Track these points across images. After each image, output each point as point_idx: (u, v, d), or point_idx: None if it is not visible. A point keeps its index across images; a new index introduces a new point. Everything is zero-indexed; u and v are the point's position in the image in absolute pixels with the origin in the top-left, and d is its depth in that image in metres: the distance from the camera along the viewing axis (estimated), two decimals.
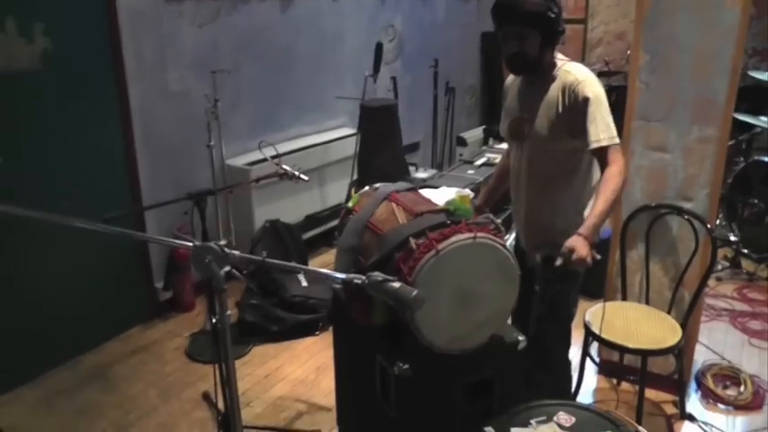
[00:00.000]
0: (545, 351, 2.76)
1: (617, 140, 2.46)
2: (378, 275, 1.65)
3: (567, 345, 2.86)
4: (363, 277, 1.65)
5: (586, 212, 2.58)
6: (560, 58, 2.61)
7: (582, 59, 7.22)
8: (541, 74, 2.58)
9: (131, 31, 3.98)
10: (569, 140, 2.54)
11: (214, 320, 1.84)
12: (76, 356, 3.87)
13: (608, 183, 2.40)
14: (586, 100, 2.45)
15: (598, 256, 2.36)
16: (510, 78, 2.83)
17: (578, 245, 2.30)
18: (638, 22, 3.20)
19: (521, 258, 2.57)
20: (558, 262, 2.32)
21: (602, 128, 2.43)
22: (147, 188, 4.19)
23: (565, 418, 2.11)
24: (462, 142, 6.75)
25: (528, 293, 2.64)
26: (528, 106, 2.63)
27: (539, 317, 2.74)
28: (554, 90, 2.54)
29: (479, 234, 2.11)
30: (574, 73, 2.52)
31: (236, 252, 1.65)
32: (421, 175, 5.35)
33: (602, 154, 2.46)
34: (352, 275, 1.68)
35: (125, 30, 3.94)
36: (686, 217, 3.18)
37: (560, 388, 2.90)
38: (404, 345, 2.21)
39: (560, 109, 2.51)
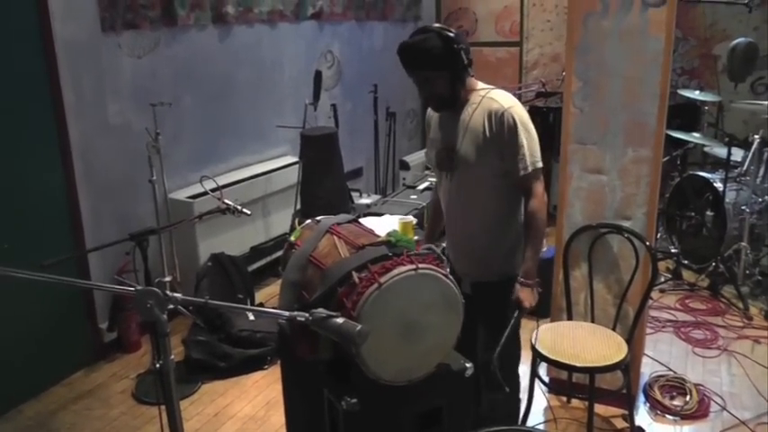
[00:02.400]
0: (494, 375, 2.78)
1: (540, 164, 2.61)
2: (321, 312, 1.65)
3: (515, 364, 2.91)
4: (307, 314, 1.65)
5: (521, 231, 2.72)
6: (482, 86, 2.67)
7: (519, 81, 7.36)
8: (460, 104, 2.65)
9: (69, 64, 3.90)
10: (498, 164, 2.61)
11: (158, 365, 1.81)
12: (17, 406, 3.72)
13: (535, 222, 2.63)
14: (514, 126, 2.53)
15: (540, 290, 2.66)
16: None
17: (524, 296, 2.63)
18: (569, 50, 3.29)
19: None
20: (515, 315, 2.65)
21: (528, 154, 2.56)
22: (89, 226, 4.10)
23: None
24: (405, 166, 6.78)
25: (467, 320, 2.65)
26: (452, 136, 2.67)
27: (486, 344, 2.76)
28: (477, 117, 2.59)
29: (421, 265, 2.11)
30: (498, 100, 2.58)
31: (179, 295, 1.65)
32: (365, 201, 5.36)
33: (527, 180, 2.61)
34: (295, 313, 1.67)
35: (63, 63, 3.86)
36: (626, 235, 3.26)
37: (511, 407, 2.96)
38: (351, 378, 2.20)
39: (487, 134, 2.57)
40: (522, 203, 2.70)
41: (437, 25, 2.56)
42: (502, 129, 2.54)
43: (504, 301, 2.72)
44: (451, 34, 2.51)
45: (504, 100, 2.59)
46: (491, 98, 2.60)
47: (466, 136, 2.62)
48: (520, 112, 2.57)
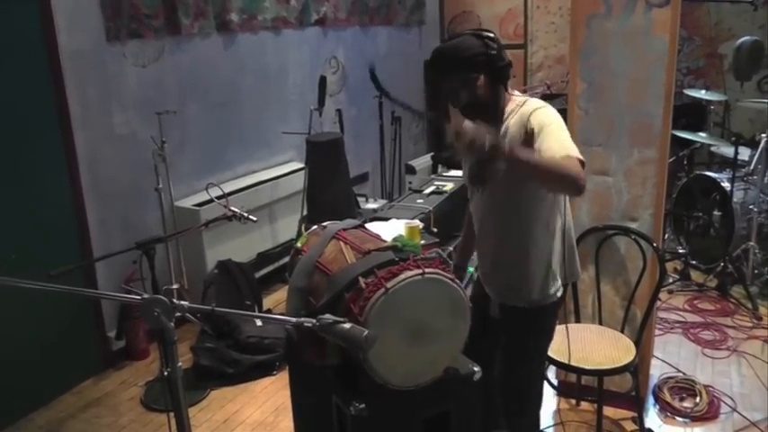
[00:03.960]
0: (521, 398, 2.70)
1: (575, 154, 2.15)
2: (328, 318, 1.65)
3: (542, 385, 2.83)
4: (314, 320, 1.65)
5: (554, 258, 2.52)
6: (518, 95, 2.46)
7: (524, 83, 7.35)
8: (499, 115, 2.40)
9: (74, 75, 3.92)
10: None
11: (166, 373, 1.82)
12: (28, 414, 3.74)
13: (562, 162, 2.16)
14: (543, 124, 2.26)
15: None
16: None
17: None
18: (573, 52, 3.28)
19: (485, 304, 2.58)
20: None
21: (556, 140, 2.20)
22: (96, 235, 4.11)
23: None
24: (411, 170, 6.77)
25: (490, 340, 2.59)
26: None
27: (512, 369, 2.64)
28: (514, 126, 2.35)
29: (427, 270, 2.11)
30: (531, 104, 2.37)
31: (185, 303, 1.67)
32: (371, 205, 5.36)
33: None
34: (302, 319, 1.67)
35: (68, 73, 3.88)
36: (633, 237, 3.25)
37: (534, 423, 2.85)
38: (359, 383, 2.20)
39: (521, 141, 2.28)
40: (559, 226, 2.51)
41: (471, 29, 2.42)
42: (533, 129, 2.26)
43: (529, 330, 2.58)
44: (490, 34, 2.35)
45: (536, 103, 2.38)
46: (526, 106, 2.38)
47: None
48: (551, 113, 2.32)
